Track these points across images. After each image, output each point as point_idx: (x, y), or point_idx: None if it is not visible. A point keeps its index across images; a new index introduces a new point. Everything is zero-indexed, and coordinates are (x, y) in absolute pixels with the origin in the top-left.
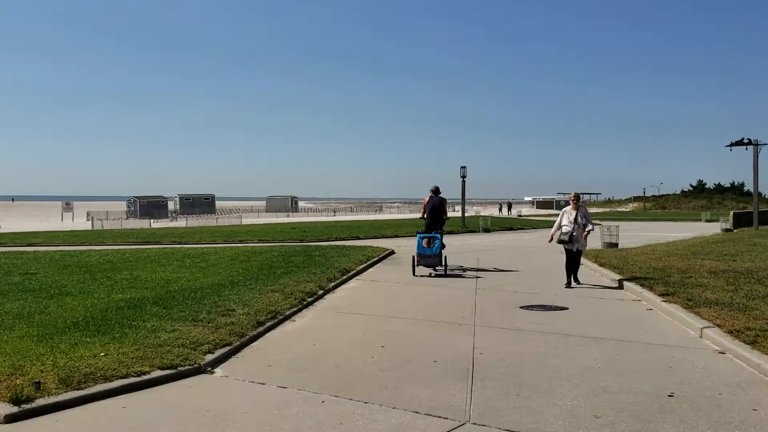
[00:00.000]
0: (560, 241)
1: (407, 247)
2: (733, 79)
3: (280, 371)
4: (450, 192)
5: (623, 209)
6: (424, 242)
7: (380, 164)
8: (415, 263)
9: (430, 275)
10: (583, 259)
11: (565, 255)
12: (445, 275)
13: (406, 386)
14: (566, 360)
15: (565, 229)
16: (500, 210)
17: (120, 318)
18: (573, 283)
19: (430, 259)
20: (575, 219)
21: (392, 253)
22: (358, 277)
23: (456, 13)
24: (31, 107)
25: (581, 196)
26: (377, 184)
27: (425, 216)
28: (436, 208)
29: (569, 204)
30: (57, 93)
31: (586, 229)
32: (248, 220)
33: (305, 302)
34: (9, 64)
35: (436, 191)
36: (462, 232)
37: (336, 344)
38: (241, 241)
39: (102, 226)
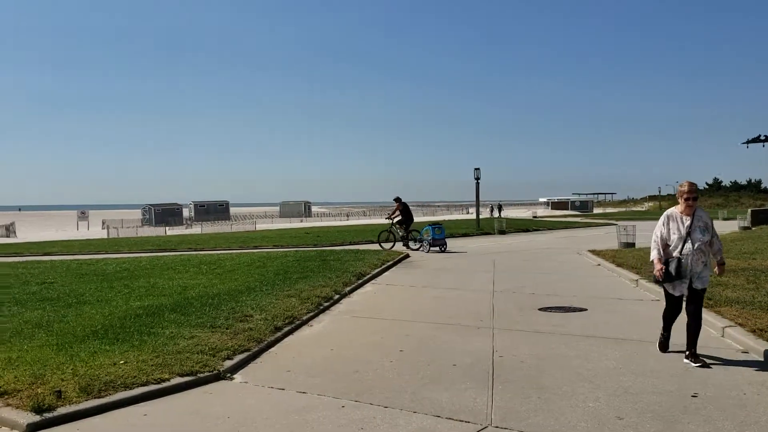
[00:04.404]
0: (659, 279)
1: (421, 250)
2: (746, 78)
3: (299, 376)
4: (464, 194)
5: (639, 209)
6: (436, 230)
7: (393, 167)
8: (431, 245)
9: (437, 251)
10: (600, 260)
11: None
12: (446, 251)
13: (426, 390)
14: (586, 361)
15: (673, 252)
16: (491, 212)
17: (138, 325)
18: (689, 361)
19: (439, 240)
20: (689, 232)
21: (407, 256)
22: (373, 281)
23: (469, 20)
24: (36, 115)
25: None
26: (390, 187)
27: (402, 217)
28: (408, 210)
29: (678, 205)
30: (64, 100)
31: (715, 249)
32: (262, 225)
33: (322, 307)
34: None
35: (398, 199)
36: (477, 234)
37: (354, 349)
38: (256, 247)
39: (117, 235)
